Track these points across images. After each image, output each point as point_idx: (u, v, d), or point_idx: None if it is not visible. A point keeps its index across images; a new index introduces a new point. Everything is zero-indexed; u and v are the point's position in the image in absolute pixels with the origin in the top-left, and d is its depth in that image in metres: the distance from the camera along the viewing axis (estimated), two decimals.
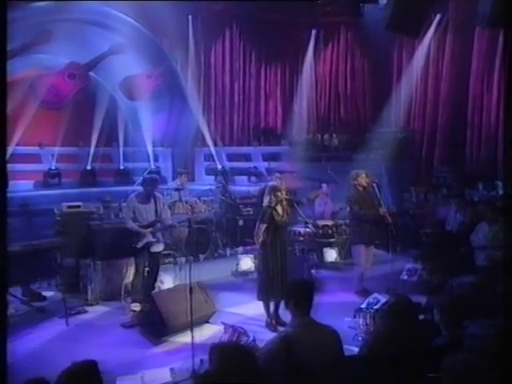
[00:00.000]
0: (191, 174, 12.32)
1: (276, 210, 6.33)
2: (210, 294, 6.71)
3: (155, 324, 6.06)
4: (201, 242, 8.47)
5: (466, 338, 3.50)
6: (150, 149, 11.80)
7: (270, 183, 6.53)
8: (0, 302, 3.06)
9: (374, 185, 7.50)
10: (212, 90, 14.63)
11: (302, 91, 15.08)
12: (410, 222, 10.92)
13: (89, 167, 11.17)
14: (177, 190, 8.76)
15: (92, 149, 10.96)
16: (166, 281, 7.59)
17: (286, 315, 6.43)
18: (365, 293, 7.44)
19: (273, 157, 12.54)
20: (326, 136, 13.72)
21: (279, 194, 6.34)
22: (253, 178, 12.07)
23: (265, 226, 6.26)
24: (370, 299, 6.58)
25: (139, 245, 6.83)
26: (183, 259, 8.10)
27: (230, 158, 13.07)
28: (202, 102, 14.24)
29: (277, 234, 6.33)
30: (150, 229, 6.85)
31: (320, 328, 3.72)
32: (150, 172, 6.98)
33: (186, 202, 8.55)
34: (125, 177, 11.25)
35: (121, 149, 11.71)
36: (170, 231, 8.03)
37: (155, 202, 6.94)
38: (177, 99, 12.73)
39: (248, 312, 6.92)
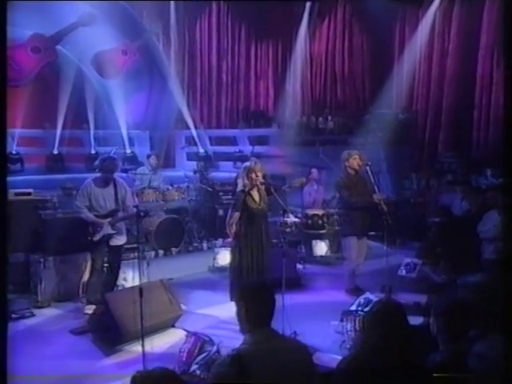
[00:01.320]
0: (171, 160, 11.59)
1: (251, 196, 5.59)
2: (178, 292, 6.09)
3: (108, 330, 5.32)
4: (173, 233, 7.72)
5: (470, 356, 2.78)
6: (124, 132, 11.02)
7: (245, 164, 5.76)
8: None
9: (367, 168, 6.73)
10: (197, 69, 13.96)
11: (296, 71, 14.57)
12: (410, 212, 10.24)
13: (55, 151, 10.38)
14: (144, 174, 8.04)
15: (59, 131, 10.16)
16: (131, 279, 6.85)
17: None
18: (357, 291, 6.76)
19: (260, 140, 11.82)
20: (320, 119, 13.02)
21: (254, 176, 5.59)
22: (239, 164, 11.30)
23: (238, 214, 5.52)
24: (361, 299, 5.88)
25: (96, 237, 6.09)
26: (152, 253, 7.37)
27: (214, 141, 12.31)
28: (185, 82, 13.52)
29: (252, 224, 5.60)
30: (108, 219, 6.10)
31: (283, 343, 2.97)
32: (110, 158, 6.15)
33: (157, 189, 7.80)
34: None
35: (91, 131, 10.92)
36: (137, 221, 7.29)
37: (115, 188, 6.19)
38: (157, 78, 11.98)
39: (222, 314, 6.18)
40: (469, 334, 3.01)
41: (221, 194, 8.76)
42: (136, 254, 7.34)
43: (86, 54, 11.13)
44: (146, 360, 4.55)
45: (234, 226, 5.58)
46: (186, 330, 5.11)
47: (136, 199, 6.42)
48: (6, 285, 3.43)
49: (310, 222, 8.39)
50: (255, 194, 5.65)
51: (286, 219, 8.49)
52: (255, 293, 2.96)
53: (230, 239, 8.20)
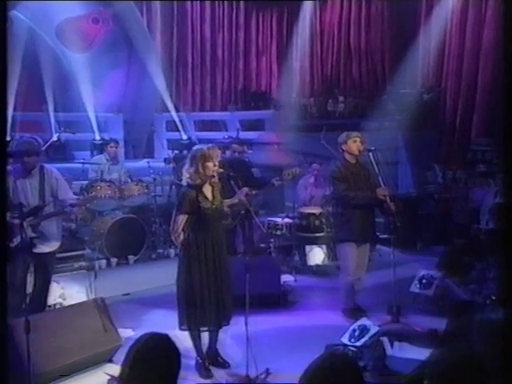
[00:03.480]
0: (149, 147, 10.57)
1: (202, 192, 4.51)
2: (133, 312, 5.60)
3: (13, 369, 4.28)
4: (131, 237, 6.66)
5: None
6: (92, 114, 10.00)
7: (196, 148, 4.66)
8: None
9: (370, 154, 5.61)
10: (188, 43, 12.89)
11: (304, 45, 13.43)
12: (433, 210, 9.11)
13: (8, 138, 9.38)
14: (100, 164, 7.06)
15: (10, 112, 9.17)
16: (73, 295, 5.92)
17: (229, 351, 4.75)
18: (356, 312, 5.74)
19: (254, 124, 10.72)
20: (330, 100, 11.83)
21: (211, 165, 4.50)
22: (228, 153, 10.22)
23: (185, 217, 4.45)
24: (355, 327, 4.80)
25: (13, 243, 5.05)
26: (103, 262, 6.35)
27: (200, 126, 11.27)
28: (174, 58, 12.51)
29: (205, 230, 4.53)
30: (30, 218, 5.08)
31: None
32: (24, 138, 5.16)
33: (112, 182, 6.75)
34: (60, 151, 9.49)
35: (51, 114, 9.91)
36: (76, 221, 6.33)
37: (41, 177, 5.18)
38: (136, 52, 10.89)
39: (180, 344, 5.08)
40: None
41: None
42: (81, 263, 6.45)
43: (49, 21, 10.11)
44: None
45: (180, 233, 4.49)
46: (108, 374, 4.12)
47: (71, 193, 5.37)
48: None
49: (304, 222, 7.30)
50: (208, 189, 4.57)
51: (276, 220, 7.50)
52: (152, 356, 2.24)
53: None
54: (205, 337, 4.74)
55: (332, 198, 5.98)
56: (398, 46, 12.49)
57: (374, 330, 4.65)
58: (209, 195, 4.54)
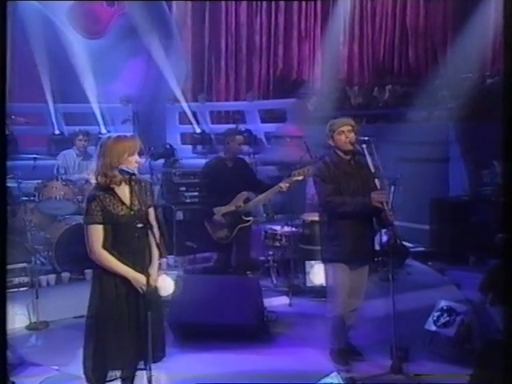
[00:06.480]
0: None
1: (116, 195, 3.36)
2: None
3: None
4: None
5: None
6: (95, 105, 9.12)
7: (107, 135, 3.51)
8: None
9: (364, 147, 4.21)
10: (222, 28, 11.76)
11: (353, 28, 12.15)
12: (489, 217, 7.49)
13: (7, 131, 8.68)
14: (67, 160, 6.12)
15: (6, 104, 8.45)
16: (12, 317, 4.88)
17: None
18: (347, 355, 4.44)
19: (274, 115, 9.49)
20: (376, 88, 10.41)
21: (133, 159, 3.36)
22: (245, 148, 9.06)
23: (99, 229, 3.31)
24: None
25: None
26: (52, 278, 5.36)
27: (216, 118, 10.19)
28: (206, 45, 11.50)
29: (124, 244, 3.38)
30: None
31: None
32: None
33: (70, 181, 5.74)
34: (62, 145, 8.68)
35: (51, 105, 9.11)
36: (34, 228, 5.36)
37: None
38: (157, 39, 9.93)
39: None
40: None
41: (182, 188, 6.52)
42: (21, 279, 5.47)
43: (60, 5, 9.33)
44: None
45: (101, 253, 3.33)
46: None
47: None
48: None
49: (306, 232, 5.93)
50: (124, 190, 3.39)
51: (275, 228, 6.23)
52: None
53: (193, 255, 6.23)
54: None
55: (318, 205, 4.61)
56: (461, 24, 10.88)
57: None
58: (125, 198, 3.38)
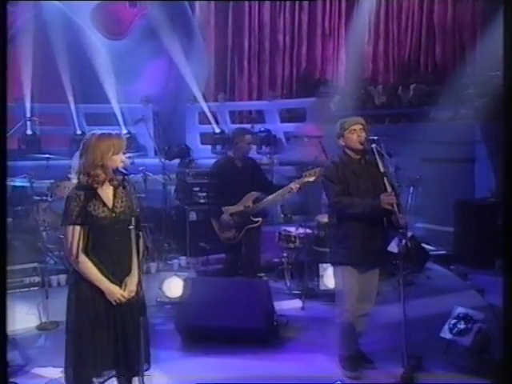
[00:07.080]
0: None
1: (98, 196, 3.27)
2: None
3: None
4: None
5: None
6: (115, 106, 9.14)
7: (91, 133, 3.41)
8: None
9: (374, 147, 4.05)
10: (245, 27, 11.67)
11: (379, 26, 11.84)
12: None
13: (29, 132, 8.75)
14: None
15: (28, 105, 8.54)
16: (21, 317, 4.98)
17: None
18: (357, 362, 4.29)
19: (294, 114, 9.36)
20: (400, 87, 10.17)
21: (118, 158, 3.28)
22: (264, 149, 8.95)
23: (77, 230, 3.21)
24: None
25: None
26: (63, 277, 5.35)
27: (237, 118, 10.11)
28: (229, 45, 11.43)
29: (106, 248, 3.27)
30: None
31: None
32: None
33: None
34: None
35: (72, 105, 9.14)
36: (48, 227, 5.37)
37: None
38: (179, 40, 9.90)
39: None
40: None
41: (195, 188, 6.46)
42: (32, 278, 5.46)
43: (82, 6, 9.39)
44: None
45: (80, 256, 3.23)
46: None
47: None
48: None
49: (321, 233, 5.79)
50: (107, 191, 3.30)
51: (289, 230, 6.10)
52: None
53: (205, 257, 6.13)
54: None
55: (327, 206, 4.47)
56: (490, 19, 10.56)
57: None
58: (107, 199, 3.28)
